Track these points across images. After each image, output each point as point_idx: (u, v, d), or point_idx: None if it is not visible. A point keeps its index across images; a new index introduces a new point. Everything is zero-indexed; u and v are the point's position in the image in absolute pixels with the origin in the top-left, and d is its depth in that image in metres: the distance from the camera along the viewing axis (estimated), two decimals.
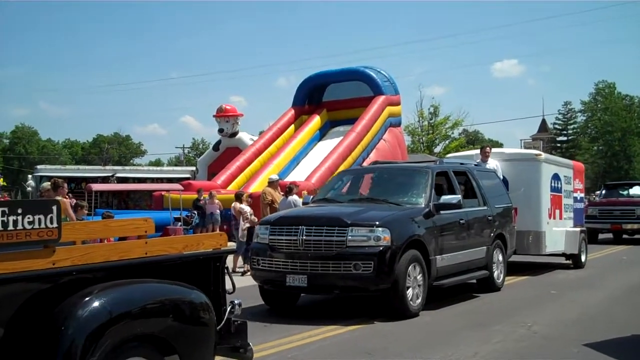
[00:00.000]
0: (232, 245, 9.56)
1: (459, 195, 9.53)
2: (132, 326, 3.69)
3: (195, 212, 20.16)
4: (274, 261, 8.54)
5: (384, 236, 8.19)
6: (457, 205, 9.39)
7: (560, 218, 13.70)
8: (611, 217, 20.57)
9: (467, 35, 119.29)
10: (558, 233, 13.43)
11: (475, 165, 11.56)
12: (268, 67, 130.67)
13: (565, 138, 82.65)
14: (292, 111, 26.59)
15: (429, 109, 44.30)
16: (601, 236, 21.43)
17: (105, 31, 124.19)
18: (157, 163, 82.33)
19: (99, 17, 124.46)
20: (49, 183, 11.14)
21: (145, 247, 4.19)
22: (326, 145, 24.52)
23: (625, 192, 22.44)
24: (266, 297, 9.09)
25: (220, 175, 24.05)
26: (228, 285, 4.77)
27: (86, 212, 11.99)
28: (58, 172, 32.45)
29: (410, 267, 8.44)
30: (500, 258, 10.96)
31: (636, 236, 21.02)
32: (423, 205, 9.19)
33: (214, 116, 29.45)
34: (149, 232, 4.43)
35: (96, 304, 3.51)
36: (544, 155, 13.23)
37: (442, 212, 9.31)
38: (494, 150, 13.56)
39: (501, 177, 12.38)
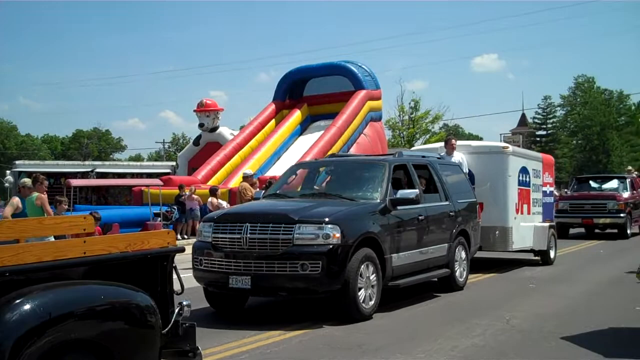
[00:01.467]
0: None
1: (417, 190, 9.01)
2: (66, 331, 3.45)
3: (176, 207, 19.95)
4: (216, 261, 7.97)
5: (333, 234, 7.66)
6: (414, 201, 8.89)
7: (529, 213, 13.26)
8: (582, 212, 20.06)
9: (447, 31, 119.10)
10: (526, 228, 13.00)
11: (438, 158, 11.04)
12: (249, 62, 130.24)
13: (544, 132, 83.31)
14: (273, 106, 26.73)
15: (409, 103, 44.31)
16: (573, 231, 21.02)
17: (84, 26, 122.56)
18: (137, 158, 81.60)
19: (77, 11, 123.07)
20: (29, 179, 11.12)
21: (83, 247, 3.92)
22: (307, 140, 24.62)
23: (597, 186, 21.96)
24: (211, 300, 8.54)
25: (200, 170, 24.10)
26: (178, 286, 4.46)
27: (66, 207, 11.80)
28: (37, 167, 32.34)
29: (362, 266, 7.92)
30: (463, 256, 10.49)
31: (608, 230, 20.59)
32: (378, 201, 8.66)
33: (194, 111, 29.66)
34: (88, 230, 4.26)
35: (26, 307, 3.31)
36: (511, 148, 12.75)
37: (399, 207, 8.80)
38: (459, 142, 13.08)
39: (466, 171, 11.91)
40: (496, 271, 12.48)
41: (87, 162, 41.81)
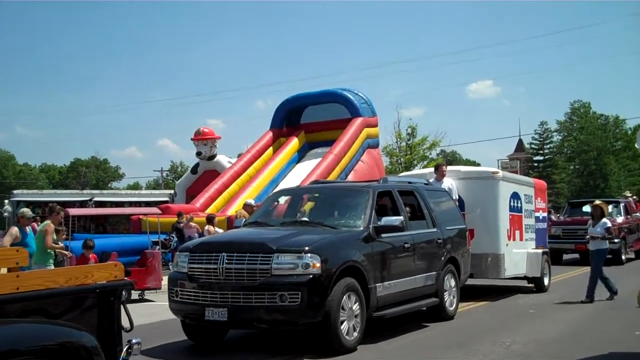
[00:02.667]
0: None
1: (401, 217, 8.73)
2: None
3: (174, 235, 19.73)
4: (192, 292, 7.67)
5: (313, 263, 7.37)
6: (399, 228, 8.62)
7: (521, 239, 12.97)
8: (575, 237, 19.42)
9: (442, 57, 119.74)
10: (518, 255, 12.71)
11: (426, 184, 10.78)
12: (245, 90, 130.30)
13: (541, 157, 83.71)
14: (270, 133, 26.92)
15: (406, 129, 44.12)
16: (567, 257, 20.62)
17: (82, 54, 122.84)
18: (135, 186, 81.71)
19: (74, 39, 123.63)
20: (27, 209, 11.45)
21: (16, 282, 3.60)
22: (304, 167, 24.60)
23: (590, 211, 21.54)
24: (189, 332, 8.22)
25: (199, 199, 24.05)
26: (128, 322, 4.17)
27: (64, 236, 11.83)
28: (35, 196, 32.53)
29: (345, 297, 7.61)
30: (453, 284, 10.18)
31: None
32: (362, 228, 8.38)
33: (192, 139, 29.84)
34: (22, 264, 3.92)
35: None
36: (501, 173, 12.51)
37: (383, 235, 8.52)
38: (449, 168, 12.82)
39: (456, 197, 11.66)
40: (488, 299, 12.15)
41: (85, 191, 41.68)
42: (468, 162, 75.79)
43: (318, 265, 7.38)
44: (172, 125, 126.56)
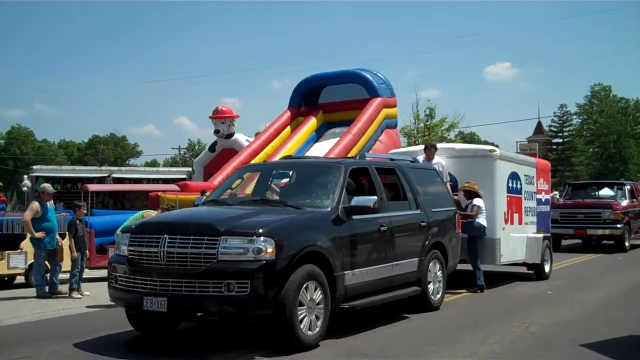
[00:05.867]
0: None
1: (375, 197, 7.75)
2: None
3: None
4: (131, 279, 6.80)
5: (266, 248, 6.46)
6: (373, 209, 7.66)
7: (520, 223, 11.97)
8: (574, 222, 18.29)
9: (460, 39, 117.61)
10: (517, 240, 11.73)
11: (412, 161, 9.80)
12: (262, 69, 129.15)
13: (560, 140, 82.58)
14: (288, 113, 26.94)
15: (424, 111, 43.58)
16: (566, 242, 19.25)
17: (100, 33, 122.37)
18: (153, 164, 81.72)
19: (93, 19, 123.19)
20: (48, 184, 11.81)
21: None
22: (322, 147, 24.52)
23: (593, 193, 20.08)
24: (134, 322, 7.38)
25: (216, 176, 23.73)
26: None
27: (85, 211, 11.78)
28: (54, 172, 32.18)
29: (304, 286, 6.72)
30: (438, 271, 9.26)
31: (605, 242, 18.78)
32: (329, 209, 7.45)
33: (210, 117, 30.08)
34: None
35: None
36: (498, 151, 11.46)
37: (354, 217, 7.59)
38: (441, 145, 11.79)
39: (446, 179, 10.69)
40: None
41: (103, 168, 41.20)
42: (487, 144, 74.48)
43: (272, 250, 6.48)
44: (188, 104, 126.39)
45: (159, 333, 7.41)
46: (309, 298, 6.78)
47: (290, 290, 6.56)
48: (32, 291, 11.06)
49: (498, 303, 9.99)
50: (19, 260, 12.03)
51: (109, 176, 32.69)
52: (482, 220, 10.69)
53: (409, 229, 8.68)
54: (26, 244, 11.75)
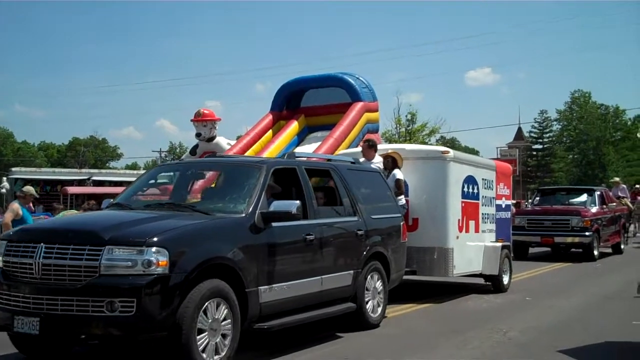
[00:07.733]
0: None
1: (298, 202, 6.85)
2: None
3: None
4: (4, 295, 5.86)
5: (158, 260, 5.54)
6: (294, 215, 6.76)
7: (477, 231, 11.13)
8: (541, 229, 17.40)
9: (440, 44, 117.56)
10: (473, 249, 10.89)
11: (352, 162, 8.91)
12: (244, 72, 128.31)
13: (541, 146, 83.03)
14: (270, 116, 26.30)
15: (406, 115, 43.46)
16: (535, 250, 18.44)
17: (82, 34, 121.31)
18: (134, 167, 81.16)
19: (75, 19, 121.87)
20: (30, 187, 11.89)
21: None
22: (304, 151, 23.71)
23: (563, 200, 19.19)
24: (16, 342, 6.42)
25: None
26: None
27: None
28: (33, 174, 32.08)
29: (207, 304, 5.82)
30: (378, 285, 8.38)
31: (574, 250, 17.88)
32: (243, 215, 6.54)
33: (191, 120, 29.33)
34: None
35: None
36: (452, 153, 10.58)
37: (274, 224, 6.70)
38: (392, 146, 10.94)
39: (392, 180, 9.83)
40: (433, 301, 10.34)
41: (83, 170, 41.16)
42: (467, 150, 74.22)
43: (165, 262, 5.56)
44: (169, 106, 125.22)
45: (48, 354, 6.46)
46: (212, 318, 5.88)
47: (188, 308, 5.65)
48: None
49: (446, 319, 9.12)
50: None
51: (89, 179, 32.74)
52: (403, 200, 9.85)
53: (342, 237, 7.78)
54: None
